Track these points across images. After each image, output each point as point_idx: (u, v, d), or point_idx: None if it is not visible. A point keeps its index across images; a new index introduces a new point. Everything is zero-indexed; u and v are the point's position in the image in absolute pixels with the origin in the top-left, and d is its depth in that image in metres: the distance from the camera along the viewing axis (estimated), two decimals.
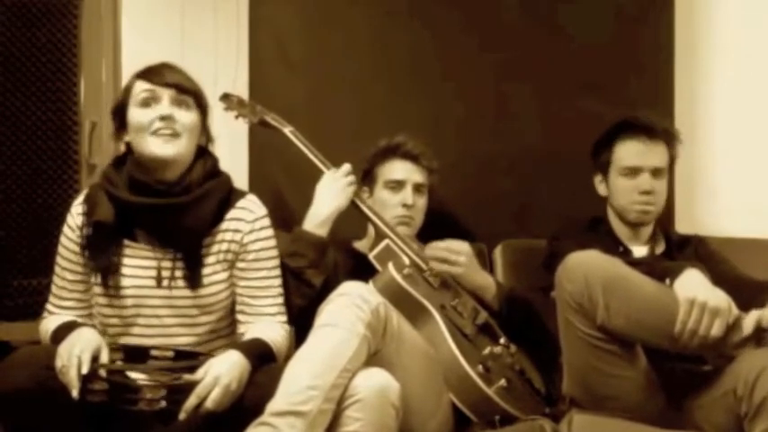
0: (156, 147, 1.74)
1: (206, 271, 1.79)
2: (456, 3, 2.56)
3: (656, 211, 2.15)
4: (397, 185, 2.16)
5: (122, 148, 1.83)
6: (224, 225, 1.81)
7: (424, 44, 2.55)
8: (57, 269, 1.84)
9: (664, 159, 2.14)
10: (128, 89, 1.80)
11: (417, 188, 2.17)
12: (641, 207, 2.13)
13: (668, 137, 2.16)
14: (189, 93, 1.79)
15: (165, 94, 1.76)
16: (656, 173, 2.12)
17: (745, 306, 1.71)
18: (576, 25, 2.59)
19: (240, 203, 1.83)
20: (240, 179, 2.38)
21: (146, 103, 1.76)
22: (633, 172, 2.13)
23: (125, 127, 1.80)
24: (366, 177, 2.20)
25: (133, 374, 1.67)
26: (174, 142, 1.75)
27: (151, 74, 1.78)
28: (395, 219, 2.13)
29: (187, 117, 1.78)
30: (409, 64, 2.54)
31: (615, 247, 2.12)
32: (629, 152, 2.13)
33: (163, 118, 1.74)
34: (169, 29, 2.40)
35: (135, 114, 1.77)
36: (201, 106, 1.82)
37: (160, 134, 1.74)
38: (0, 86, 2.31)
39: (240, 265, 1.82)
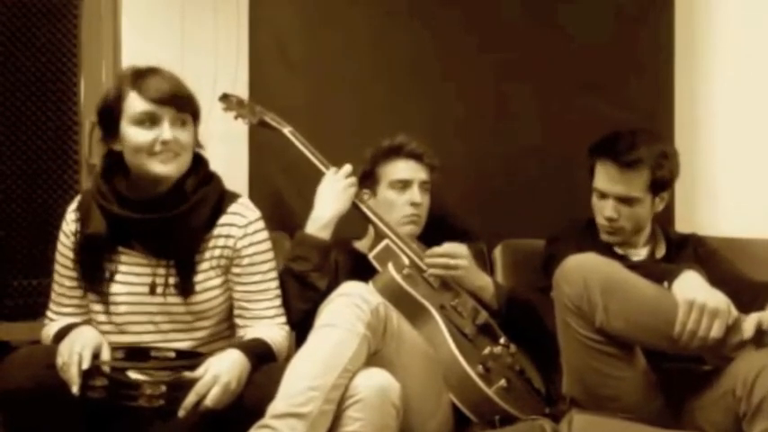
0: (157, 167, 1.70)
1: (199, 278, 1.78)
2: (456, 3, 2.55)
3: (625, 234, 2.10)
4: (404, 185, 2.16)
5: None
6: (216, 231, 1.79)
7: (424, 44, 2.54)
8: (55, 276, 1.83)
9: (637, 187, 2.04)
10: (119, 98, 1.71)
11: (422, 186, 2.18)
12: (608, 231, 2.10)
13: (643, 164, 2.03)
14: (188, 110, 1.74)
15: (166, 115, 1.70)
16: (623, 200, 2.06)
17: (744, 307, 1.72)
18: (576, 25, 2.58)
19: (232, 208, 1.81)
20: (240, 179, 2.39)
21: (144, 123, 1.70)
22: (601, 195, 2.09)
23: (116, 136, 1.74)
24: (367, 179, 2.19)
25: (133, 373, 1.67)
26: (175, 162, 1.72)
27: (147, 87, 1.70)
28: (404, 218, 2.14)
29: (186, 136, 1.74)
30: (409, 64, 2.54)
31: (612, 249, 2.12)
32: (599, 175, 2.09)
33: (165, 142, 1.69)
34: (169, 29, 2.40)
35: (132, 133, 1.70)
36: (197, 117, 1.78)
37: (161, 156, 1.70)
38: (0, 86, 2.31)
39: (235, 270, 1.81)
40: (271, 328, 1.81)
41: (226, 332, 1.86)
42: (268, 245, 1.85)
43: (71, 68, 2.38)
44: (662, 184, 2.08)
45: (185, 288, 1.76)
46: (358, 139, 2.31)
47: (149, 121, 1.70)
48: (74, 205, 1.82)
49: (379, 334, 1.70)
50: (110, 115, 1.73)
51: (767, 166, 2.56)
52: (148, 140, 1.69)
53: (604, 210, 2.08)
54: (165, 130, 1.70)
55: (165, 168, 1.71)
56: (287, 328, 1.86)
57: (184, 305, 1.78)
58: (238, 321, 1.84)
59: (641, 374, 1.78)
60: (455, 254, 2.04)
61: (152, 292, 1.76)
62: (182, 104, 1.73)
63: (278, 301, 1.86)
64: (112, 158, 1.77)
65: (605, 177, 2.07)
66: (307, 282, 1.93)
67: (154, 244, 1.77)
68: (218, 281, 1.80)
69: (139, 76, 1.72)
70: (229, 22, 2.45)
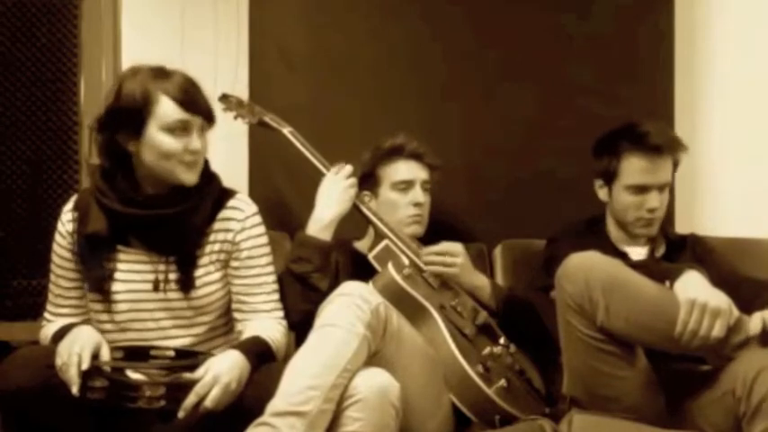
0: (183, 174, 1.72)
1: (199, 272, 1.79)
2: (456, 3, 2.55)
3: (659, 222, 2.12)
4: (406, 186, 2.16)
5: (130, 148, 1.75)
6: (216, 225, 1.80)
7: (424, 44, 2.54)
8: (52, 277, 1.83)
9: (670, 172, 2.10)
10: (148, 99, 1.69)
11: (423, 186, 2.18)
12: (647, 223, 2.10)
13: (675, 149, 2.09)
14: (212, 119, 1.76)
15: (196, 125, 1.73)
16: (663, 188, 2.08)
17: (744, 305, 1.71)
18: (575, 25, 2.59)
19: (230, 203, 1.82)
20: (240, 179, 2.40)
21: (176, 131, 1.70)
22: (641, 190, 2.07)
23: (138, 135, 1.71)
24: (368, 180, 2.19)
25: (133, 373, 1.67)
26: (196, 169, 1.75)
27: (182, 95, 1.70)
28: (408, 218, 2.14)
29: (206, 144, 1.77)
30: (409, 64, 2.54)
31: (614, 248, 2.12)
32: (637, 170, 2.06)
33: (194, 152, 1.72)
34: (169, 29, 2.40)
35: (163, 140, 1.70)
36: (213, 123, 1.79)
37: (188, 164, 1.72)
38: (0, 86, 2.31)
39: (234, 264, 1.82)
40: (269, 324, 1.82)
41: (223, 328, 1.87)
42: (266, 239, 1.86)
43: (71, 68, 2.39)
44: (677, 162, 2.12)
45: (186, 283, 1.77)
46: (358, 140, 2.32)
47: (181, 128, 1.71)
48: (70, 205, 1.82)
49: (379, 334, 1.70)
50: (134, 116, 1.71)
51: (767, 166, 2.56)
52: (179, 148, 1.71)
53: (648, 202, 2.07)
54: (195, 140, 1.72)
55: (190, 176, 1.73)
56: (284, 322, 1.87)
57: (185, 300, 1.78)
58: (237, 315, 1.85)
59: (642, 374, 1.77)
60: (451, 252, 2.04)
61: (155, 288, 1.77)
62: (210, 114, 1.76)
63: (275, 296, 1.87)
64: (114, 157, 1.76)
65: (644, 169, 2.06)
66: (308, 283, 1.93)
67: (155, 241, 1.77)
68: (217, 275, 1.81)
69: (169, 80, 1.72)
70: (229, 22, 2.45)
